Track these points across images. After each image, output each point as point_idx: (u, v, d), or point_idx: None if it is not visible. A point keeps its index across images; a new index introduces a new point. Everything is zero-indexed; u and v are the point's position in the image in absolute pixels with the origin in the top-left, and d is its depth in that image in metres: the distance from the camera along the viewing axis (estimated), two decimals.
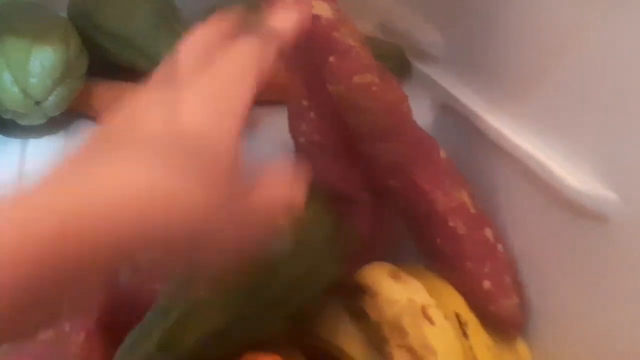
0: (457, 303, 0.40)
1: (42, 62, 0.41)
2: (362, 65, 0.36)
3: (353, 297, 0.40)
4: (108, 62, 0.48)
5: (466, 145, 0.47)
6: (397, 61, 0.54)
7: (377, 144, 0.38)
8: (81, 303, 0.24)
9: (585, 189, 0.35)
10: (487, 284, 0.39)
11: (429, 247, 0.41)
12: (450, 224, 0.39)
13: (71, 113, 0.47)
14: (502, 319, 0.40)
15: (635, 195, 0.32)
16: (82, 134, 0.47)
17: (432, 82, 0.50)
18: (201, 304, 0.33)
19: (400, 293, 0.38)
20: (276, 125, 0.47)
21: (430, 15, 0.51)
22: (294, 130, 0.43)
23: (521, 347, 0.41)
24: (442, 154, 0.41)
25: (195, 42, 0.27)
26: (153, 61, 0.45)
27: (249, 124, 0.28)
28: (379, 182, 0.41)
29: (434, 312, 0.38)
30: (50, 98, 0.43)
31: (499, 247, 0.40)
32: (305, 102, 0.41)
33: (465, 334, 0.39)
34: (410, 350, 0.36)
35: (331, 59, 0.36)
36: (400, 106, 0.38)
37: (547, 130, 0.39)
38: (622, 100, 0.33)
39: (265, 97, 0.46)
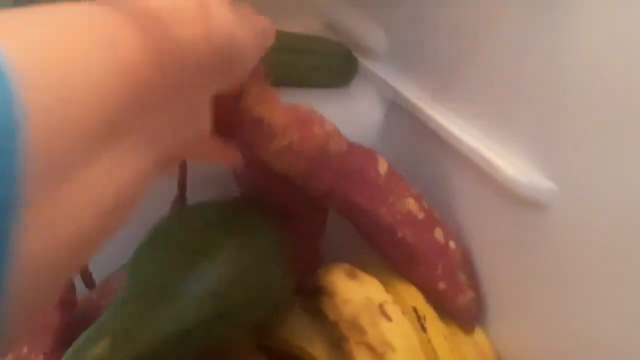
0: (414, 297, 0.41)
1: None
2: (275, 132, 0.34)
3: (312, 298, 0.40)
4: None
5: (413, 139, 0.48)
6: (344, 59, 0.54)
7: (308, 181, 0.37)
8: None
9: (525, 179, 0.36)
10: (441, 285, 0.40)
11: (383, 253, 0.42)
12: (399, 234, 0.39)
13: None
14: (459, 314, 0.41)
15: (571, 183, 0.33)
16: None
17: (379, 80, 0.51)
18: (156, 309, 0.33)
19: (357, 292, 0.39)
20: None
21: (372, 12, 0.51)
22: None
23: (480, 336, 0.42)
24: (382, 167, 0.40)
25: None
26: None
27: None
28: (322, 204, 0.41)
29: (391, 309, 0.38)
30: None
31: (451, 244, 0.41)
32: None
33: (423, 328, 0.40)
34: (370, 347, 0.37)
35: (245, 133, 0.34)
36: (326, 147, 0.37)
37: (486, 123, 0.40)
38: (555, 91, 0.34)
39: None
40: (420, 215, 0.40)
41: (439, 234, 0.40)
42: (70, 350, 0.31)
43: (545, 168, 0.35)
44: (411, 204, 0.40)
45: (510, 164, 0.37)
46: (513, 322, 0.40)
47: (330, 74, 0.54)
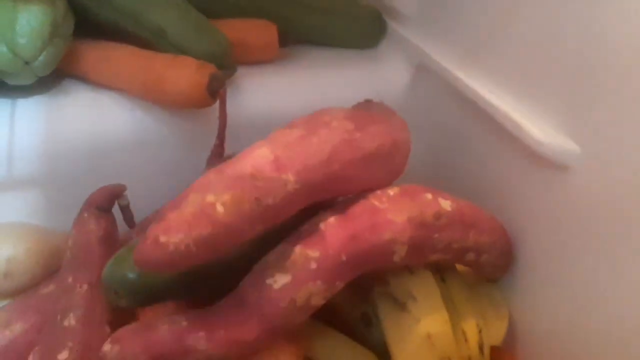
0: None
1: (30, 22, 0.41)
2: None
3: None
4: (91, 22, 0.47)
5: (440, 101, 0.49)
6: (372, 21, 0.55)
7: None
8: None
9: (549, 141, 0.36)
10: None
11: None
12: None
13: (58, 72, 0.46)
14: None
15: (594, 145, 0.34)
16: (70, 94, 0.47)
17: (407, 43, 0.51)
18: None
19: None
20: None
21: None
22: None
23: (498, 294, 0.43)
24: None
25: None
26: (135, 19, 0.46)
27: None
28: None
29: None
30: (40, 58, 0.42)
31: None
32: None
33: (442, 278, 0.41)
34: (392, 297, 0.39)
35: None
36: None
37: (514, 86, 0.40)
38: (583, 57, 0.34)
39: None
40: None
41: None
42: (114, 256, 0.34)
43: (570, 131, 0.36)
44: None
45: (536, 126, 0.37)
46: (531, 282, 0.41)
47: (359, 36, 0.55)
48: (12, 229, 0.41)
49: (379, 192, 0.36)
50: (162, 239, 0.29)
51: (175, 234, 0.29)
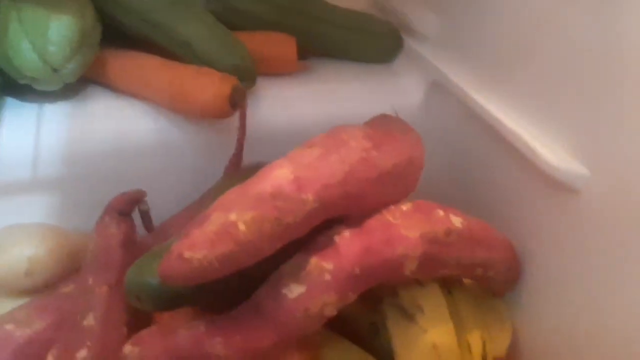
0: None
1: (60, 30, 0.42)
2: None
3: None
4: (119, 31, 0.49)
5: (453, 120, 0.50)
6: (390, 38, 0.56)
7: None
8: None
9: (560, 164, 0.37)
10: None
11: None
12: None
13: (85, 79, 0.47)
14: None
15: (604, 169, 0.35)
16: (95, 100, 0.48)
17: (423, 60, 0.52)
18: None
19: None
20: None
21: None
22: None
23: (503, 308, 0.44)
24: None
25: None
26: (162, 32, 0.47)
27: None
28: None
29: None
30: (68, 65, 0.43)
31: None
32: None
33: (449, 291, 0.42)
34: (401, 308, 0.40)
35: None
36: None
37: (528, 109, 0.41)
38: (596, 83, 0.35)
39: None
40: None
41: None
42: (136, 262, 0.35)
43: (580, 154, 0.37)
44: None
45: (549, 149, 0.38)
46: (538, 302, 0.42)
47: (377, 52, 0.56)
48: (35, 229, 0.42)
49: (392, 207, 0.37)
50: (187, 255, 0.30)
51: (199, 250, 0.30)
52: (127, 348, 0.31)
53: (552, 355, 0.40)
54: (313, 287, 0.33)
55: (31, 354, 0.37)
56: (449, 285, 0.42)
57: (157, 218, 0.42)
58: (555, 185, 0.38)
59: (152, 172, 0.46)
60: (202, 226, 0.30)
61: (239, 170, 0.45)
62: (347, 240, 0.35)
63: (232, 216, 0.31)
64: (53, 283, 0.42)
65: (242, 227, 0.30)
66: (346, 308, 0.41)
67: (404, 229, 0.36)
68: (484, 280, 0.41)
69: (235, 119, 0.44)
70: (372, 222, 0.36)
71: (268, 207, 0.31)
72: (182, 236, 0.30)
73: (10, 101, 0.46)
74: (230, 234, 0.30)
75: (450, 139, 0.49)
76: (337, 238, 0.35)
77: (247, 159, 0.45)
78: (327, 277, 0.34)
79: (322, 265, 0.34)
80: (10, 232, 0.42)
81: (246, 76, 0.46)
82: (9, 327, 0.38)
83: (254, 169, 0.43)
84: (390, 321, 0.39)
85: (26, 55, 0.42)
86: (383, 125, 0.40)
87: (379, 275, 0.36)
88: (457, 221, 0.38)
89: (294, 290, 0.33)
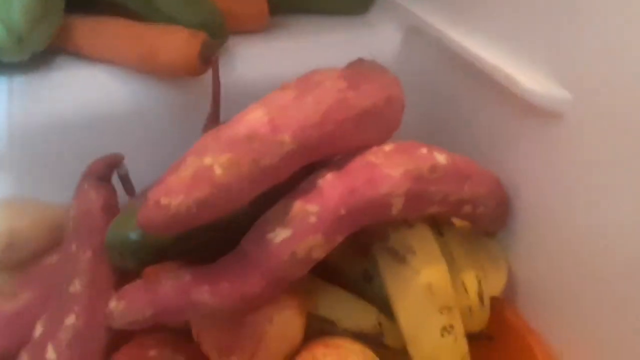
0: None
1: None
2: None
3: None
4: None
5: (432, 63, 0.49)
6: None
7: None
8: None
9: (542, 90, 0.37)
10: None
11: None
12: None
13: (52, 49, 0.46)
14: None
15: (586, 91, 0.34)
16: (65, 69, 0.47)
17: (398, 7, 0.52)
18: None
19: None
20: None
21: None
22: None
23: (496, 247, 0.44)
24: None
25: None
26: None
27: None
28: None
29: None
30: (33, 34, 0.42)
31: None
32: None
33: (440, 232, 0.42)
34: (392, 251, 0.39)
35: None
36: None
37: (506, 39, 0.40)
38: (569, 2, 0.35)
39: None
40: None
41: None
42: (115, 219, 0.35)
43: (561, 78, 0.36)
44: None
45: (527, 75, 0.38)
46: (527, 232, 0.42)
47: (349, 2, 0.55)
48: (13, 202, 0.42)
49: (375, 148, 0.37)
50: (164, 201, 0.29)
51: (175, 196, 0.29)
52: (112, 303, 0.31)
53: (550, 289, 0.40)
54: (299, 230, 0.33)
55: (20, 325, 0.37)
56: (440, 227, 0.41)
57: (138, 184, 0.41)
58: (538, 113, 0.38)
59: (130, 137, 0.45)
60: (177, 171, 0.29)
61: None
62: (330, 183, 0.34)
63: (207, 160, 0.30)
64: (36, 256, 0.41)
65: (218, 170, 0.30)
66: (337, 257, 0.41)
67: (387, 167, 0.35)
68: (474, 218, 0.41)
69: (209, 77, 0.43)
70: (355, 164, 0.35)
71: (244, 149, 0.31)
72: (158, 182, 0.29)
73: None
74: (206, 178, 0.29)
75: (429, 82, 0.48)
76: (320, 181, 0.34)
77: (225, 117, 0.44)
78: (313, 219, 0.33)
79: (307, 208, 0.33)
80: None
81: (216, 33, 0.44)
82: None
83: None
84: (381, 265, 0.39)
85: None
86: (358, 68, 0.40)
87: (366, 216, 0.35)
88: (441, 158, 0.37)
89: (280, 234, 0.32)
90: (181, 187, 0.29)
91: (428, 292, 0.37)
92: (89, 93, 0.44)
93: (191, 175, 0.29)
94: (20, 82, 0.44)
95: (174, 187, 0.29)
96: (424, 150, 0.37)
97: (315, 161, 0.35)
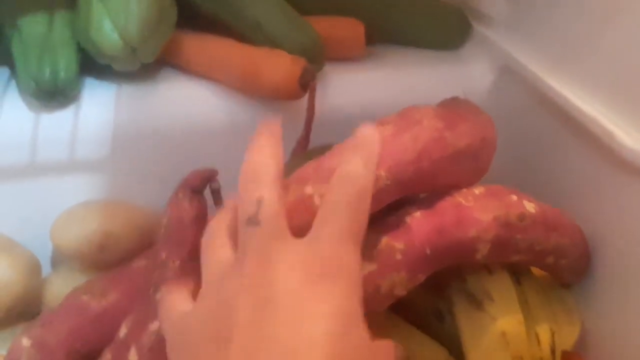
0: None
1: (140, 10, 0.43)
2: None
3: None
4: (192, 13, 0.49)
5: (524, 106, 0.49)
6: (458, 23, 0.55)
7: None
8: None
9: (638, 147, 0.36)
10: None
11: None
12: None
13: (159, 61, 0.48)
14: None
15: None
16: (170, 82, 0.49)
17: (492, 45, 0.51)
18: None
19: None
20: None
21: None
22: None
23: (571, 300, 0.43)
24: None
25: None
26: (233, 12, 0.47)
27: None
28: None
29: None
30: (146, 45, 0.44)
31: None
32: None
33: (518, 281, 0.41)
34: (469, 295, 0.39)
35: None
36: None
37: (602, 91, 0.40)
38: None
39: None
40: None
41: None
42: None
43: None
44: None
45: (625, 131, 0.37)
46: (610, 293, 0.40)
47: (443, 36, 0.55)
48: (111, 205, 0.44)
49: (465, 190, 0.37)
50: None
51: None
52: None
53: (622, 350, 0.39)
54: (384, 265, 0.33)
55: (106, 323, 0.38)
56: (517, 275, 0.41)
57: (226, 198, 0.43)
58: (632, 170, 0.37)
59: (222, 153, 0.46)
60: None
61: (307, 152, 0.45)
62: (418, 221, 0.35)
63: (308, 189, 0.31)
64: (125, 258, 0.43)
65: (317, 200, 0.31)
66: (411, 293, 0.41)
67: (476, 211, 0.35)
68: (555, 269, 0.40)
69: (303, 102, 0.44)
70: (444, 204, 0.36)
71: None
72: None
73: (89, 81, 0.48)
74: (306, 206, 0.30)
75: (520, 125, 0.47)
76: (408, 218, 0.35)
77: (315, 142, 0.45)
78: (398, 256, 0.33)
79: (394, 245, 0.33)
80: (85, 207, 0.43)
81: (315, 58, 0.46)
82: (85, 297, 0.39)
83: (321, 150, 0.43)
84: (457, 308, 0.38)
85: (108, 34, 0.43)
86: (454, 107, 0.40)
87: (450, 257, 0.35)
88: (530, 206, 0.37)
89: (365, 268, 0.33)
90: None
91: (502, 340, 0.37)
92: (191, 107, 0.46)
93: (292, 202, 0.30)
94: (128, 90, 0.46)
95: None
96: (514, 197, 0.37)
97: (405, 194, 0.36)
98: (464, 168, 0.37)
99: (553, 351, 0.40)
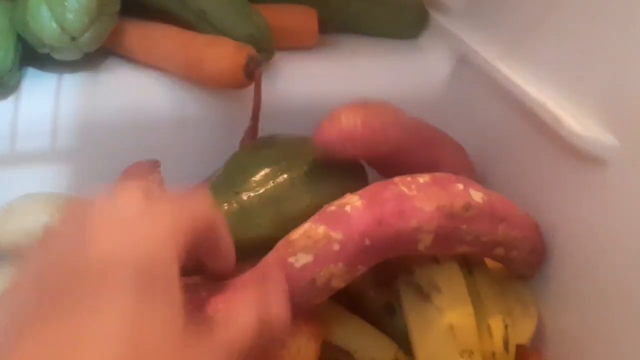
0: None
1: None
2: None
3: None
4: (137, 1, 0.48)
5: (481, 94, 0.48)
6: (415, 12, 0.54)
7: None
8: None
9: (587, 134, 0.35)
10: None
11: None
12: None
13: (103, 50, 0.47)
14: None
15: (633, 138, 0.33)
16: (113, 71, 0.48)
17: (449, 34, 0.50)
18: None
19: None
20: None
21: None
22: None
23: (527, 293, 0.42)
24: None
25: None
26: (178, 1, 0.46)
27: None
28: None
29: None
30: (86, 34, 0.43)
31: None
32: None
33: (470, 272, 0.40)
34: (417, 287, 0.38)
35: None
36: None
37: (555, 78, 0.39)
38: (625, 49, 0.33)
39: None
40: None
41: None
42: None
43: (608, 123, 0.35)
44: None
45: (575, 119, 0.36)
46: (562, 279, 0.40)
47: (400, 25, 0.54)
48: (51, 198, 0.42)
49: (409, 178, 0.36)
50: None
51: None
52: None
53: (580, 343, 0.38)
54: (320, 257, 0.32)
55: None
56: (470, 266, 0.40)
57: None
58: (582, 157, 0.36)
59: (168, 143, 0.45)
60: None
61: (255, 142, 0.44)
62: (358, 210, 0.34)
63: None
64: None
65: None
66: (360, 286, 0.40)
67: (419, 201, 0.34)
68: (506, 261, 0.39)
69: (252, 91, 0.43)
70: (386, 193, 0.35)
71: None
72: None
73: (30, 71, 0.46)
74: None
75: (477, 114, 0.47)
76: (348, 207, 0.34)
77: (265, 131, 0.44)
78: (336, 247, 0.32)
79: (331, 235, 0.32)
80: (27, 200, 0.42)
81: (263, 47, 0.45)
82: None
83: (270, 140, 0.42)
84: (404, 300, 0.38)
85: (45, 23, 0.42)
86: None
87: (391, 249, 0.34)
88: (477, 196, 0.36)
89: (301, 260, 0.32)
90: None
91: (450, 333, 0.36)
92: (134, 96, 0.45)
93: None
94: (69, 80, 0.45)
95: None
96: (460, 186, 0.36)
97: None
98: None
99: (506, 345, 0.39)
